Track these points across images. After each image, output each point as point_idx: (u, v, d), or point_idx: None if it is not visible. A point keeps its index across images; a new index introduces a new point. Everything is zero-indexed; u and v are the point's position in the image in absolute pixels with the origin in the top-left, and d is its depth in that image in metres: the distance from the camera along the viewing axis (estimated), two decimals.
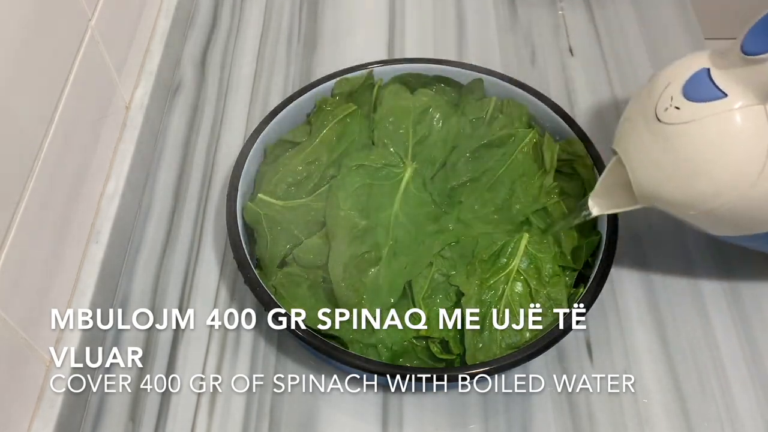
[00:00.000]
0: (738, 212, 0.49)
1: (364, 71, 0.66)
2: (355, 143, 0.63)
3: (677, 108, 0.47)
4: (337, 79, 0.65)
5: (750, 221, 0.50)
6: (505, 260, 0.55)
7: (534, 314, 0.54)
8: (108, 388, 0.56)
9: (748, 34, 0.45)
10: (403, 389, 0.56)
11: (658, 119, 0.48)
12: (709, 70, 0.48)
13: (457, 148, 0.63)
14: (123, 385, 0.56)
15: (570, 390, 0.56)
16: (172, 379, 0.57)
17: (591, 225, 0.59)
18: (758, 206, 0.48)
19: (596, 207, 0.55)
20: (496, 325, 0.53)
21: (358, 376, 0.56)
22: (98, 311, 0.58)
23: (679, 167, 0.48)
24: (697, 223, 0.52)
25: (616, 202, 0.54)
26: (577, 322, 0.52)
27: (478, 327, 0.53)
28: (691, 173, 0.48)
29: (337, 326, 0.54)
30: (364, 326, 0.54)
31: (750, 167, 0.46)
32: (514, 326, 0.54)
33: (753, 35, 0.45)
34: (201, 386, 0.56)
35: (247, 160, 0.60)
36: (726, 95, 0.46)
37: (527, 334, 0.53)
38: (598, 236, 0.57)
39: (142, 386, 0.56)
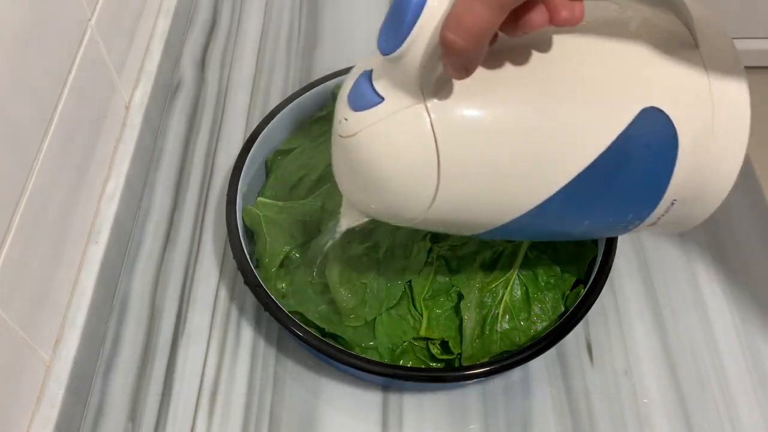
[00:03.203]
0: (441, 221, 0.44)
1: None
2: None
3: (346, 119, 0.41)
4: (338, 80, 0.65)
5: (463, 226, 0.45)
6: (506, 264, 0.55)
7: (534, 315, 0.54)
8: (108, 388, 0.56)
9: (381, 32, 0.38)
10: (403, 389, 0.56)
11: (339, 134, 0.42)
12: (371, 72, 0.41)
13: None
14: (123, 385, 0.57)
15: (570, 390, 0.56)
16: (172, 379, 0.57)
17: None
18: (456, 214, 0.43)
19: (344, 222, 0.49)
20: (495, 326, 0.53)
21: (357, 376, 0.56)
22: (98, 311, 0.58)
23: (361, 183, 0.43)
24: (421, 228, 0.47)
25: (357, 216, 0.48)
26: (577, 322, 0.52)
27: (478, 328, 0.53)
28: (372, 188, 0.42)
29: (337, 327, 0.54)
30: (364, 327, 0.54)
31: (424, 177, 0.40)
32: (513, 327, 0.54)
33: (384, 33, 0.38)
34: (201, 386, 0.56)
35: (246, 161, 0.60)
36: (383, 99, 0.39)
37: (527, 335, 0.53)
38: (594, 252, 0.57)
39: (142, 386, 0.56)
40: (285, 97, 0.64)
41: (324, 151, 0.62)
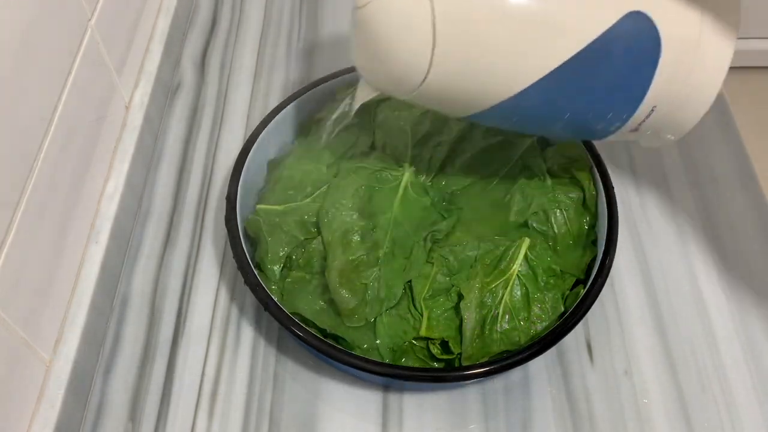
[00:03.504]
0: (434, 97, 0.48)
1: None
2: (354, 149, 0.63)
3: None
4: (338, 80, 0.65)
5: (454, 104, 0.49)
6: (506, 264, 0.56)
7: (534, 315, 0.54)
8: (108, 388, 0.56)
9: None
10: (403, 389, 0.56)
11: (355, 5, 0.46)
12: None
13: (456, 152, 0.63)
14: (123, 385, 0.57)
15: (570, 390, 0.56)
16: (172, 379, 0.57)
17: (590, 230, 0.59)
18: (446, 93, 0.47)
19: (358, 97, 0.54)
20: (495, 326, 0.53)
21: (357, 376, 0.56)
22: (98, 311, 0.58)
23: (369, 52, 0.47)
24: (419, 104, 0.52)
25: (369, 90, 0.53)
26: (577, 322, 0.52)
27: (478, 328, 0.53)
28: (376, 59, 0.47)
29: (337, 327, 0.54)
30: (364, 327, 0.54)
31: (420, 52, 0.44)
32: (513, 327, 0.54)
33: None
34: (201, 386, 0.56)
35: (246, 161, 0.60)
36: None
37: (527, 335, 0.53)
38: (594, 252, 0.57)
39: (142, 386, 0.56)
40: (285, 98, 0.64)
41: (323, 151, 0.62)
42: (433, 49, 0.44)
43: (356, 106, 0.55)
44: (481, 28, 0.44)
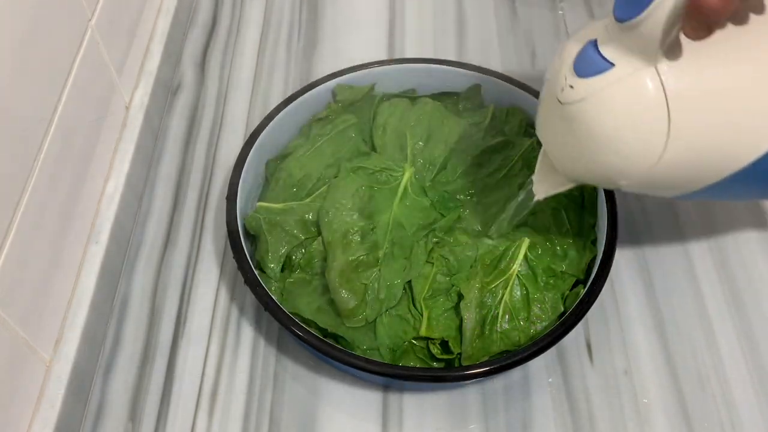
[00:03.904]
0: (658, 181, 0.46)
1: (365, 79, 0.66)
2: (353, 150, 0.63)
3: (571, 87, 0.44)
4: (338, 80, 0.65)
5: (677, 184, 0.47)
6: (506, 264, 0.56)
7: (534, 315, 0.54)
8: (108, 388, 0.56)
9: (617, 2, 0.41)
10: (403, 389, 0.56)
11: (559, 101, 0.45)
12: (596, 41, 0.44)
13: (456, 153, 0.63)
14: (123, 385, 0.57)
15: (570, 390, 0.56)
16: (172, 379, 0.57)
17: (590, 230, 0.59)
18: (677, 171, 0.45)
19: (540, 191, 0.53)
20: (495, 326, 0.53)
21: (358, 376, 0.56)
22: (98, 311, 0.58)
23: (583, 147, 0.45)
24: (632, 191, 0.49)
25: (555, 184, 0.52)
26: (577, 322, 0.52)
27: (478, 328, 0.53)
28: (595, 152, 0.45)
29: (338, 327, 0.54)
30: (364, 327, 0.54)
31: (653, 136, 0.43)
32: (513, 327, 0.54)
33: (622, 2, 0.41)
34: (201, 386, 0.56)
35: (247, 161, 0.60)
36: (613, 65, 0.43)
37: (527, 335, 0.53)
38: (594, 252, 0.57)
39: (142, 386, 0.56)
40: (285, 98, 0.64)
41: (323, 152, 0.62)
42: (667, 138, 0.42)
43: (541, 198, 0.53)
44: (715, 108, 0.43)
